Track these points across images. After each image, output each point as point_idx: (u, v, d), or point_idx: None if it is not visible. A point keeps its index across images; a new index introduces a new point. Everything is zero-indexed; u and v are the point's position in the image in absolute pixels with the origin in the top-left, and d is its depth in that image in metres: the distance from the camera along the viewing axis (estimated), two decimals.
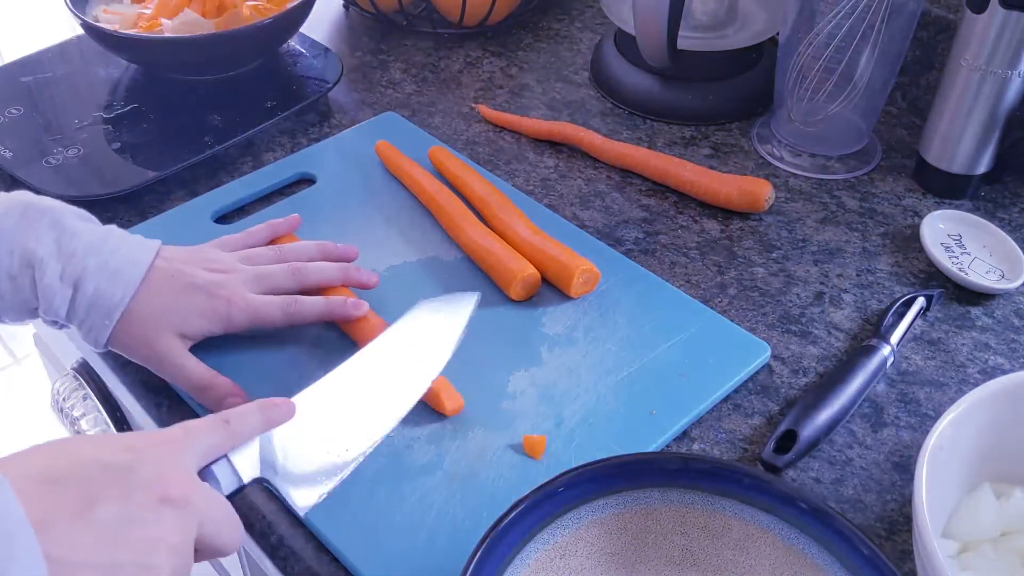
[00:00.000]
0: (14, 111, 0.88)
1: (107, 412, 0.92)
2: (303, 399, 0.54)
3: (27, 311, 0.60)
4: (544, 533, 0.52)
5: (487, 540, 0.49)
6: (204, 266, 0.63)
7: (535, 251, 0.72)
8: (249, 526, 0.59)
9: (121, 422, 0.98)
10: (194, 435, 0.47)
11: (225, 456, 0.49)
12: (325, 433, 0.53)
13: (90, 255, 0.59)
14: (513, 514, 0.50)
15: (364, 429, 0.54)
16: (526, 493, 0.51)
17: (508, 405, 0.63)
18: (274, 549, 0.57)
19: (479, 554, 0.48)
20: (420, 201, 0.80)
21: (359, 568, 0.55)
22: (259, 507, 0.59)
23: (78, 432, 1.05)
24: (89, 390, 0.89)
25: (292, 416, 0.52)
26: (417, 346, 0.58)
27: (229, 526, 0.46)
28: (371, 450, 0.54)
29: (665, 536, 0.54)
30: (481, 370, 0.65)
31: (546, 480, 0.52)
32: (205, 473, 0.48)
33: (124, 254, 0.60)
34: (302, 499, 0.52)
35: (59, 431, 1.10)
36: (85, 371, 0.87)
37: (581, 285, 0.70)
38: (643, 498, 0.54)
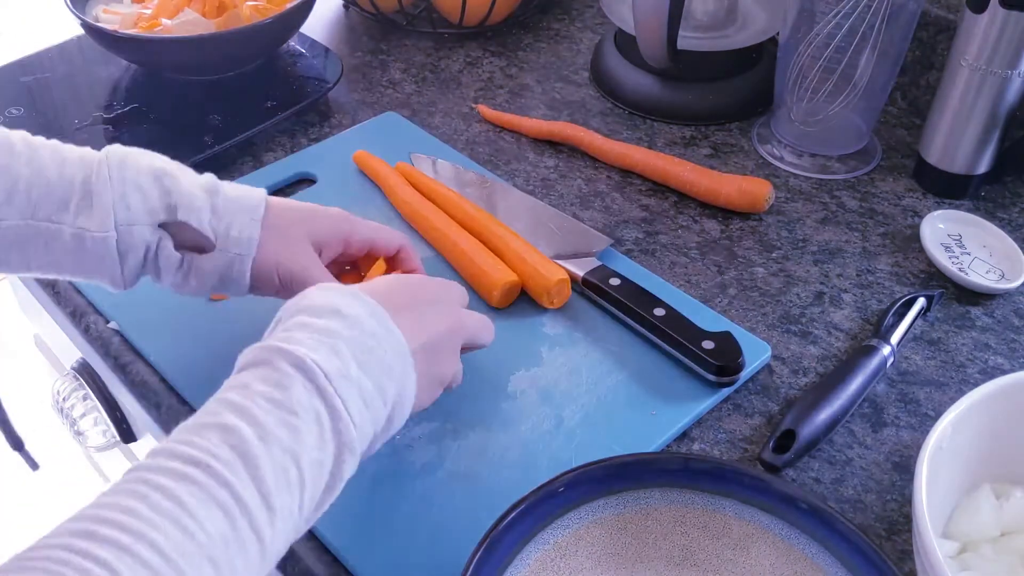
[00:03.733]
0: (14, 111, 0.88)
1: (107, 412, 0.92)
2: None
3: (151, 226, 0.57)
4: (544, 533, 0.52)
5: (487, 540, 0.49)
6: None
7: (515, 260, 0.72)
8: None
9: (121, 422, 0.98)
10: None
11: None
12: None
13: (211, 177, 0.60)
14: (513, 514, 0.50)
15: None
16: (526, 493, 0.51)
17: (508, 405, 0.63)
18: None
19: (479, 554, 0.48)
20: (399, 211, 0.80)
21: (359, 568, 0.55)
22: None
23: (79, 433, 1.05)
24: (89, 390, 0.89)
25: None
26: None
27: (487, 329, 0.60)
28: None
29: (665, 536, 0.54)
30: (481, 370, 0.65)
31: (546, 480, 0.52)
32: None
33: (239, 187, 0.62)
34: None
35: (59, 431, 1.11)
36: (85, 371, 0.87)
37: (555, 299, 0.70)
38: (643, 498, 0.54)
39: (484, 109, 0.92)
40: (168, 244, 0.58)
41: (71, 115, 0.88)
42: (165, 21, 0.90)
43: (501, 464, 0.60)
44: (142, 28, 0.90)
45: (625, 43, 0.94)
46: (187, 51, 0.88)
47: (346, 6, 1.09)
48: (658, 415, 0.63)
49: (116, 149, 0.58)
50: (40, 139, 0.58)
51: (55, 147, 0.58)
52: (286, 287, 0.60)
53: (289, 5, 0.90)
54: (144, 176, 0.57)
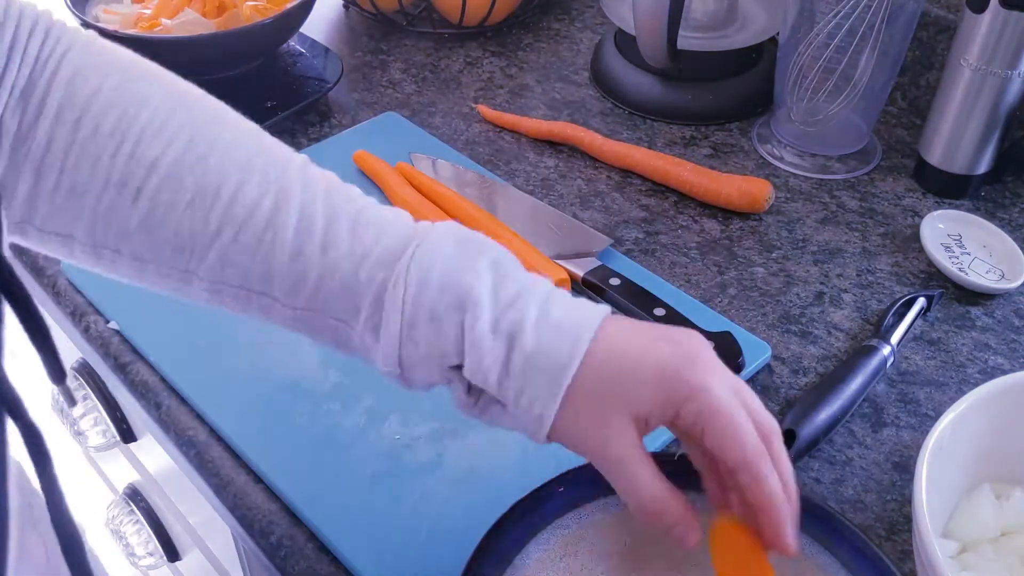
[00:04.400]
0: None
1: (107, 412, 0.92)
2: None
3: (439, 368, 0.46)
4: (544, 533, 0.52)
5: (487, 540, 0.49)
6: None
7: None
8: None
9: (121, 422, 0.99)
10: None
11: None
12: None
13: (530, 303, 0.44)
14: (513, 514, 0.50)
15: None
16: (526, 493, 0.51)
17: None
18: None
19: (479, 554, 0.48)
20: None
21: (359, 568, 0.55)
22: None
23: (79, 433, 1.05)
24: (89, 390, 0.89)
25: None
26: None
27: None
28: None
29: (665, 536, 0.54)
30: None
31: (546, 480, 0.52)
32: None
33: (568, 305, 0.45)
34: None
35: (59, 431, 1.11)
36: (85, 371, 0.87)
37: None
38: None
39: (484, 109, 0.92)
40: (458, 387, 0.46)
41: None
42: (165, 21, 0.90)
43: (501, 464, 0.60)
44: (142, 28, 0.90)
45: (625, 43, 0.94)
46: (187, 51, 0.88)
47: (346, 6, 1.09)
48: None
49: (433, 243, 0.45)
50: (342, 200, 0.48)
51: (356, 225, 0.46)
52: (594, 462, 0.46)
53: (289, 5, 0.90)
54: (444, 301, 0.44)
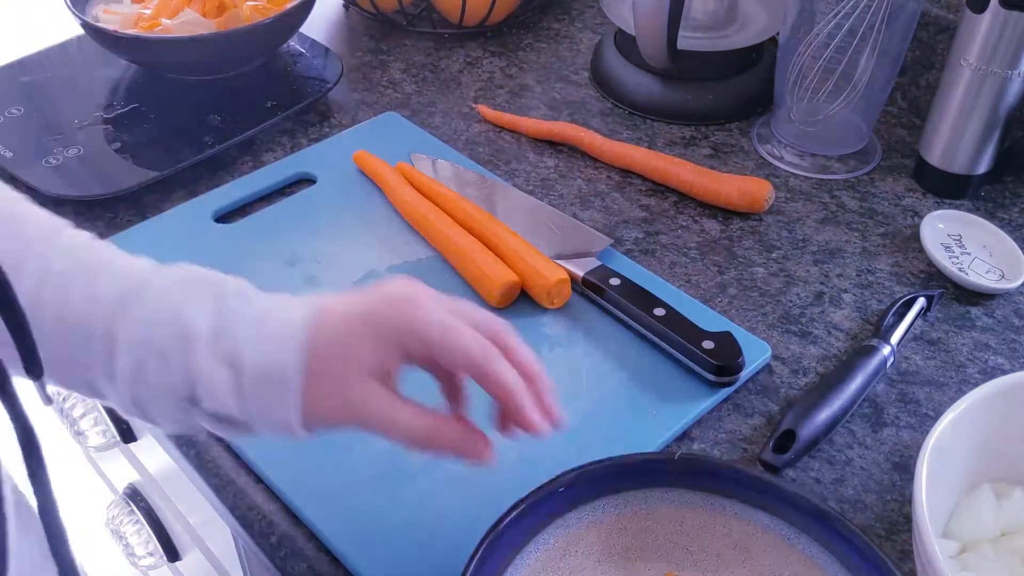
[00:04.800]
0: (14, 111, 0.88)
1: (107, 411, 0.92)
2: None
3: (175, 403, 0.48)
4: (544, 533, 0.52)
5: (487, 540, 0.49)
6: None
7: (515, 260, 0.72)
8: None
9: (121, 421, 0.99)
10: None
11: None
12: None
13: (244, 326, 0.47)
14: (513, 514, 0.50)
15: None
16: (526, 493, 0.51)
17: None
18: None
19: (479, 554, 0.48)
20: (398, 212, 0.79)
21: (359, 568, 0.55)
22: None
23: (79, 433, 1.05)
24: None
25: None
26: None
27: None
28: None
29: (665, 536, 0.54)
30: None
31: (546, 480, 0.52)
32: None
33: (280, 315, 0.48)
34: None
35: (59, 430, 1.11)
36: None
37: (554, 299, 0.70)
38: (643, 498, 0.54)
39: (484, 109, 0.92)
40: (203, 418, 0.48)
41: (71, 115, 0.88)
42: (165, 21, 0.90)
43: (501, 464, 0.60)
44: (142, 28, 0.90)
45: (625, 43, 0.94)
46: (187, 51, 0.88)
47: (346, 6, 1.09)
48: (658, 415, 0.63)
49: (157, 286, 0.48)
50: (79, 246, 0.49)
51: (97, 275, 0.48)
52: (359, 428, 0.48)
53: (289, 5, 0.90)
54: (170, 338, 0.47)
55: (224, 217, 0.80)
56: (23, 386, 0.42)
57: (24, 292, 0.44)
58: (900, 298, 0.71)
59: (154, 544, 1.08)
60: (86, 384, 0.49)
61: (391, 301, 0.47)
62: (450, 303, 0.48)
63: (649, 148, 0.87)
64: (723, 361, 0.64)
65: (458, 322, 0.47)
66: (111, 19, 0.92)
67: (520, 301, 0.71)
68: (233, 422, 0.48)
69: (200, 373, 0.46)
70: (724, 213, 0.81)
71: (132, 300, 0.47)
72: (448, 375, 0.50)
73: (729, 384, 0.64)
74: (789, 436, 0.61)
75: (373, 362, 0.47)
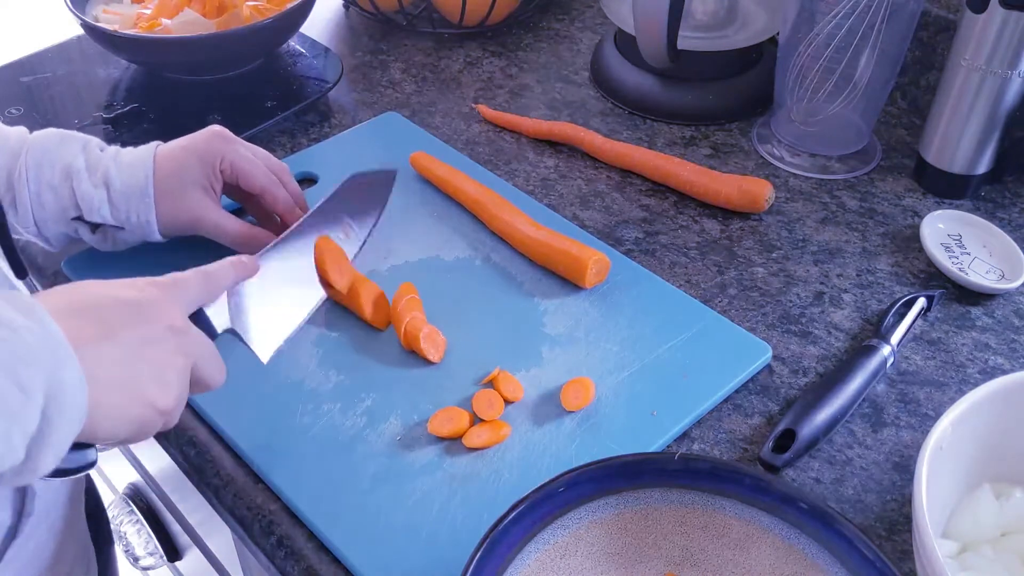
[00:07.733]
0: (14, 111, 0.88)
1: None
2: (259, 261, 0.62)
3: (65, 220, 0.68)
4: (544, 533, 0.52)
5: (487, 540, 0.49)
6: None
7: (543, 246, 0.72)
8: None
9: None
10: (181, 284, 0.53)
11: (201, 309, 0.55)
12: (279, 292, 0.62)
13: (109, 159, 0.68)
14: (513, 514, 0.50)
15: (309, 290, 0.65)
16: (526, 493, 0.51)
17: (508, 405, 0.63)
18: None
19: (479, 554, 0.48)
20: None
21: (359, 568, 0.55)
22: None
23: None
24: None
25: (256, 272, 0.60)
26: (344, 220, 0.71)
27: (216, 362, 0.54)
28: (316, 308, 0.65)
29: (665, 536, 0.54)
30: (482, 370, 0.65)
31: (546, 480, 0.52)
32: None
33: (132, 152, 0.70)
34: (262, 351, 0.60)
35: None
36: None
37: (594, 276, 0.71)
38: (643, 498, 0.54)
39: (484, 109, 0.92)
40: (85, 230, 0.69)
41: (71, 115, 0.88)
42: (165, 21, 0.90)
43: (501, 464, 0.60)
44: (142, 28, 0.90)
45: (625, 43, 0.94)
46: (187, 51, 0.88)
47: (346, 6, 1.09)
48: (658, 415, 0.63)
49: (39, 142, 0.67)
50: None
51: None
52: (198, 232, 0.70)
53: (289, 5, 0.90)
54: (57, 176, 0.67)
55: None
56: None
57: None
58: (900, 298, 0.71)
59: (154, 544, 1.08)
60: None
61: (209, 138, 0.70)
62: (251, 147, 0.73)
63: (649, 148, 0.87)
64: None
65: (256, 160, 0.72)
66: (111, 19, 0.92)
67: (520, 301, 0.71)
68: (106, 233, 0.69)
69: (83, 195, 0.67)
70: (724, 213, 0.81)
71: (22, 154, 0.67)
72: (246, 196, 0.74)
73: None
74: (789, 436, 0.61)
75: (200, 177, 0.69)
